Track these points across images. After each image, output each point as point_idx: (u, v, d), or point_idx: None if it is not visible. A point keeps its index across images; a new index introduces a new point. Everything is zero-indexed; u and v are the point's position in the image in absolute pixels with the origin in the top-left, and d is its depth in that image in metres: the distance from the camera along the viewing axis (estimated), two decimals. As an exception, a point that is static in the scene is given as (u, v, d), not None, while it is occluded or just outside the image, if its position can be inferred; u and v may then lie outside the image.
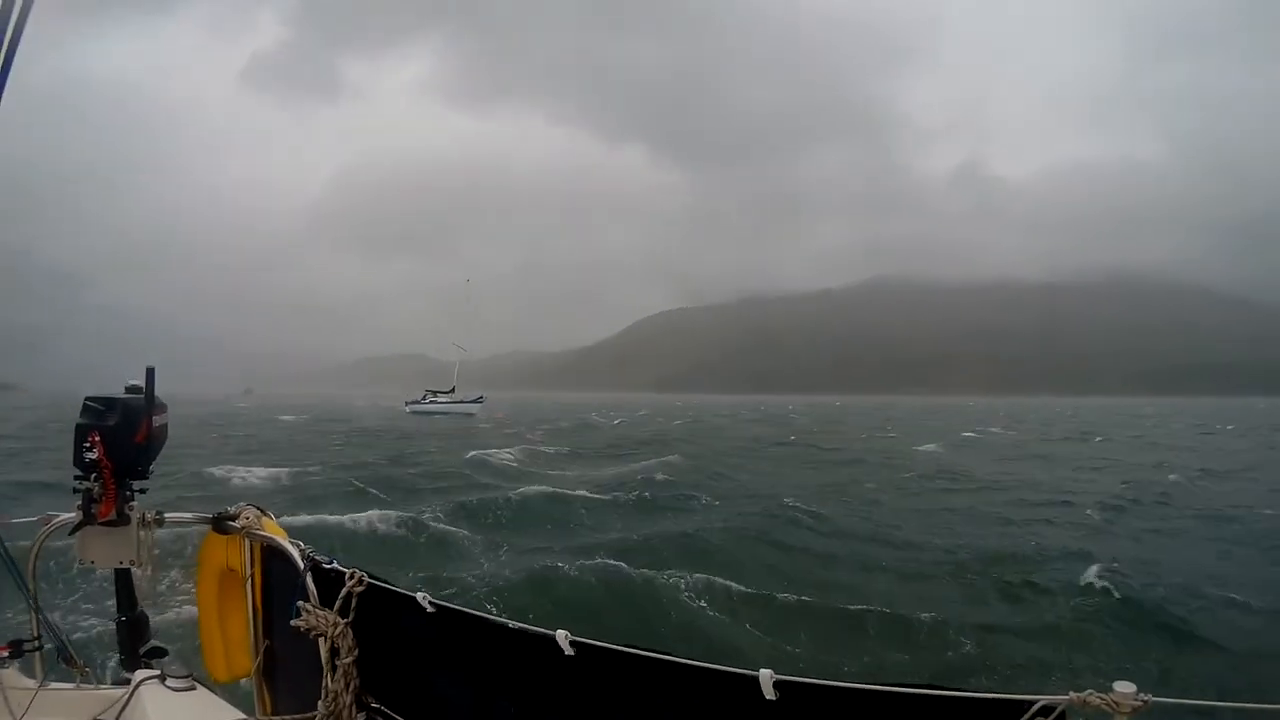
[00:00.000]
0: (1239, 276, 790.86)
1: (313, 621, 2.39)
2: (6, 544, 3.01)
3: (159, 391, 3.01)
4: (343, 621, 2.35)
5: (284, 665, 3.03)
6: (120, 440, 2.90)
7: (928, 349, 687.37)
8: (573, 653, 1.79)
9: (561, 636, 1.80)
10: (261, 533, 2.99)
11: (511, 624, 1.97)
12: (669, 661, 1.71)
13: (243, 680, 3.19)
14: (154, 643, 3.22)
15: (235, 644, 3.18)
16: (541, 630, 1.87)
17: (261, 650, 3.10)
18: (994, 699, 1.39)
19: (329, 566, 2.55)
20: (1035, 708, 1.33)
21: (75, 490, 2.91)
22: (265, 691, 3.13)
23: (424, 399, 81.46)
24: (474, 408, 76.65)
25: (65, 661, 3.11)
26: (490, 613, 2.07)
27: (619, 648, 1.78)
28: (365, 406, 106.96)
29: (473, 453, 29.68)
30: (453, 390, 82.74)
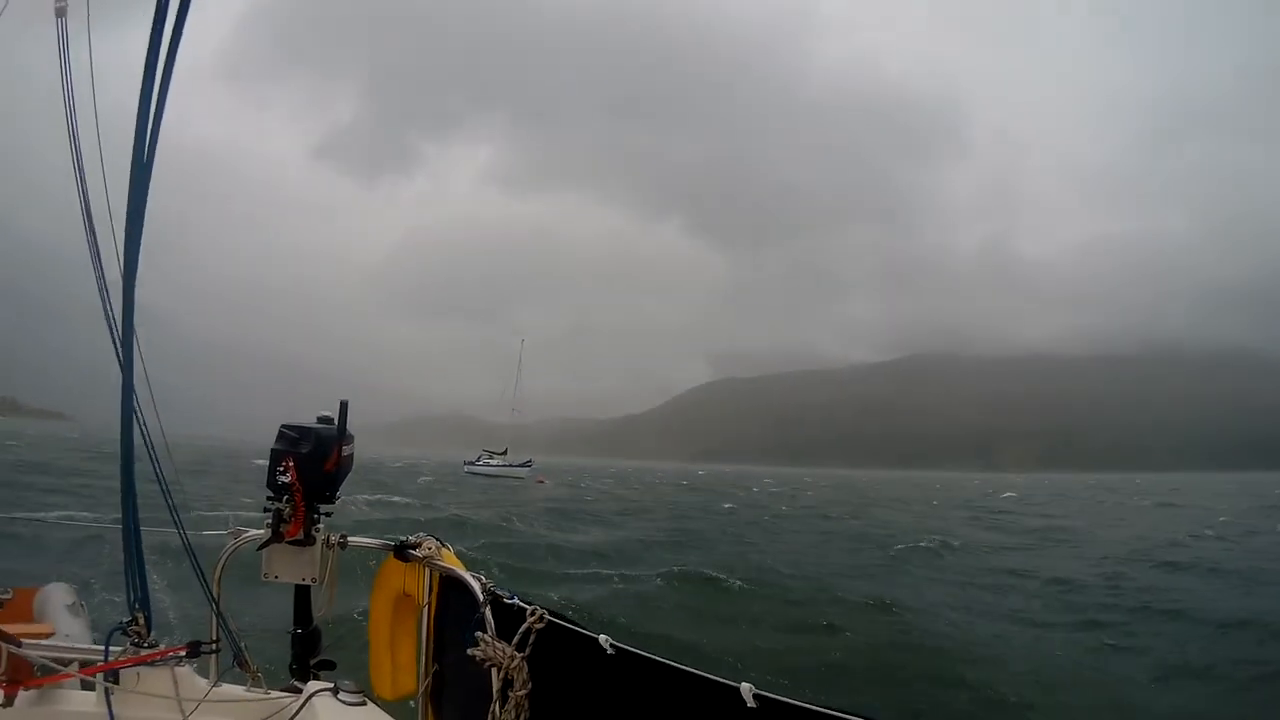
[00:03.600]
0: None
1: (490, 652, 2.40)
2: (196, 553, 3.19)
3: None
4: (519, 655, 2.36)
5: (452, 692, 3.11)
6: (312, 466, 3.14)
7: (971, 424, 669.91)
8: (755, 705, 1.66)
9: (745, 689, 1.67)
10: (441, 563, 3.12)
11: (693, 672, 1.87)
12: None
13: (405, 700, 3.31)
14: (324, 656, 3.38)
15: (402, 666, 3.32)
16: (724, 681, 1.75)
17: (431, 674, 3.20)
18: None
19: (509, 601, 2.59)
20: None
21: (266, 509, 3.15)
22: (431, 714, 3.23)
23: (479, 460, 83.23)
24: (523, 472, 78.21)
25: (239, 665, 3.24)
26: (672, 659, 1.95)
27: (807, 705, 1.62)
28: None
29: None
30: (505, 452, 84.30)
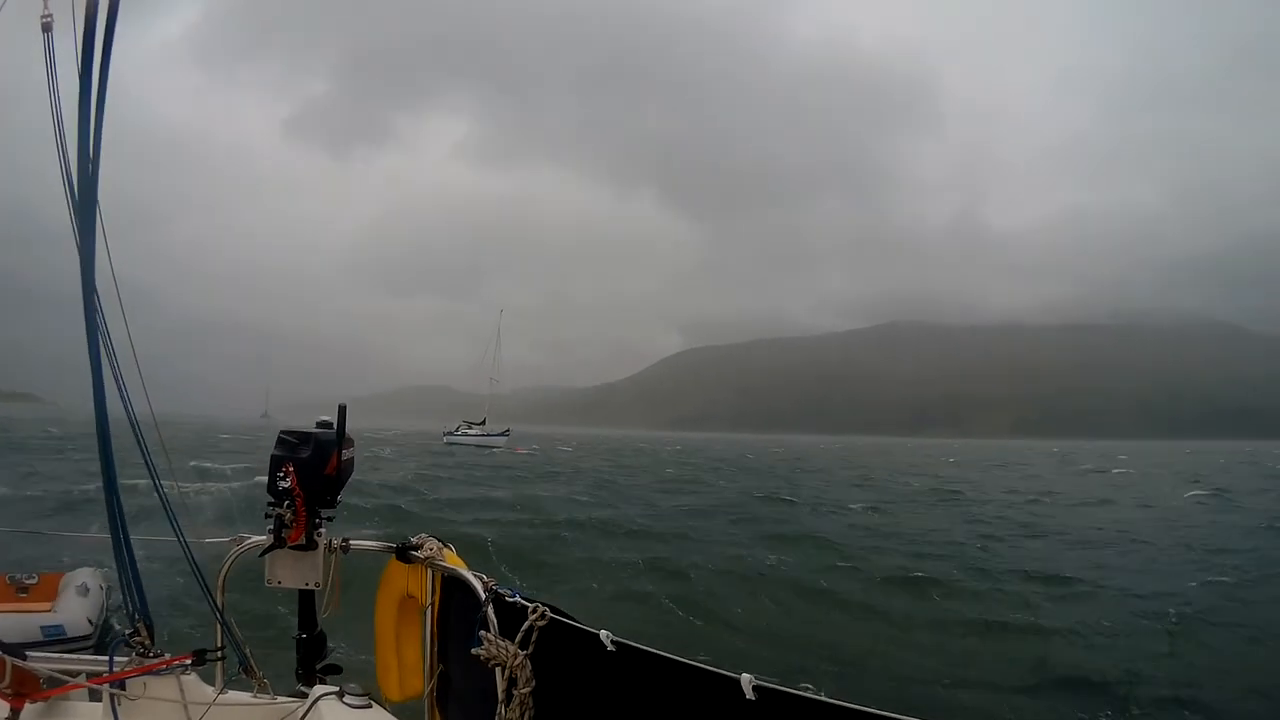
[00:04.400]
0: (1271, 315, 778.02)
1: (493, 651, 2.41)
2: (198, 561, 3.15)
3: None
4: (522, 653, 2.36)
5: (457, 692, 3.11)
6: (312, 471, 3.12)
7: (943, 392, 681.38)
8: (755, 696, 1.66)
9: (745, 681, 1.68)
10: (443, 563, 3.11)
11: (693, 665, 1.88)
12: (865, 713, 1.53)
13: (412, 702, 3.31)
14: (329, 660, 3.38)
15: (409, 667, 3.32)
16: (724, 673, 1.76)
17: (436, 675, 3.21)
18: None
19: (511, 600, 2.58)
20: None
21: (267, 515, 3.13)
22: (436, 715, 3.23)
23: (458, 430, 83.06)
24: (500, 441, 77.72)
25: (245, 672, 3.23)
26: (672, 653, 1.97)
27: (807, 695, 1.64)
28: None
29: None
30: (484, 422, 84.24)
